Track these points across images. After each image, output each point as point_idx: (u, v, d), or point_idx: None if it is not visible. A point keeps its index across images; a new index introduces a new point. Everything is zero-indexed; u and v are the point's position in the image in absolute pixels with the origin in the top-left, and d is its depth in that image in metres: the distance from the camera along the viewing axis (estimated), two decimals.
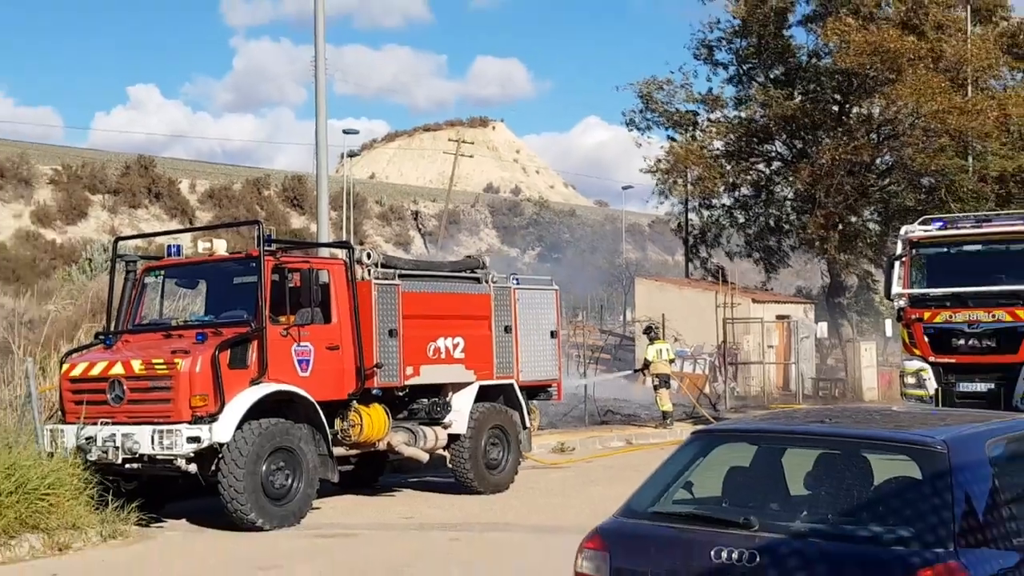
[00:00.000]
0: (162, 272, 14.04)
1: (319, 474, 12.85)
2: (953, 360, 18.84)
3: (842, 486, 5.46)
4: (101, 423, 12.28)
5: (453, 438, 14.72)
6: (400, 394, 14.30)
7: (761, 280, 39.42)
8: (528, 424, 15.84)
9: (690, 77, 38.20)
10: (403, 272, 14.59)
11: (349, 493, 14.73)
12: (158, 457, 12.01)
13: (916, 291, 19.34)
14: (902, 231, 20.48)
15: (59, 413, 13.05)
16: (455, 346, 14.79)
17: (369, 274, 13.91)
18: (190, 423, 11.92)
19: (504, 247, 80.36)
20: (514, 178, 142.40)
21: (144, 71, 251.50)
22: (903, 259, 19.61)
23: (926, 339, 19.11)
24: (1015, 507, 5.15)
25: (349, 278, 13.62)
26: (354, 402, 13.51)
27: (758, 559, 4.89)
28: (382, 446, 14.08)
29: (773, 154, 38.41)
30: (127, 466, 12.21)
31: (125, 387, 12.38)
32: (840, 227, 35.84)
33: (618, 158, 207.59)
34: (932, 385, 18.84)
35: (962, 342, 18.81)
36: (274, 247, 13.34)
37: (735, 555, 4.94)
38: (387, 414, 13.90)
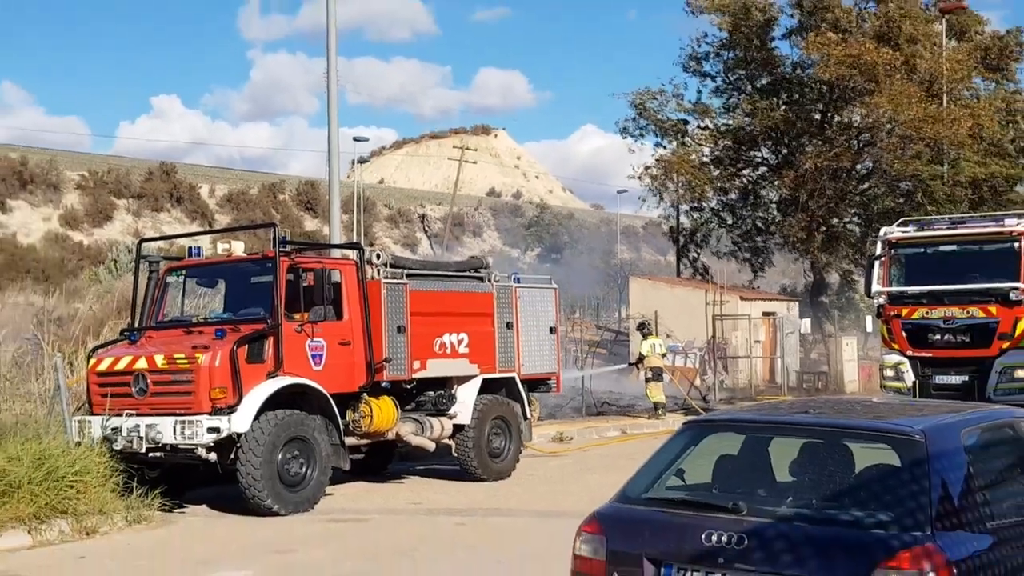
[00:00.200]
0: (183, 272, 14.04)
1: (332, 462, 12.86)
2: (929, 354, 18.85)
3: (825, 473, 5.46)
4: (126, 414, 12.30)
5: (458, 428, 14.72)
6: (408, 387, 14.30)
7: (748, 279, 39.41)
8: (529, 415, 15.85)
9: (681, 88, 38.12)
10: (410, 272, 14.59)
11: (360, 480, 14.74)
12: (180, 446, 12.03)
13: (895, 289, 19.35)
14: (881, 232, 20.48)
15: (86, 405, 13.07)
16: (460, 341, 14.79)
17: (379, 274, 13.92)
18: (210, 414, 11.93)
19: (506, 248, 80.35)
20: (515, 183, 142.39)
21: (166, 82, 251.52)
22: (882, 259, 19.62)
23: (904, 334, 19.12)
24: (989, 493, 5.15)
25: (360, 277, 13.62)
26: (364, 394, 13.51)
27: (746, 542, 4.89)
28: (391, 436, 14.08)
29: (759, 160, 38.37)
30: (151, 455, 12.23)
31: (149, 380, 12.39)
32: (823, 229, 35.86)
33: (613, 164, 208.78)
34: (910, 378, 18.84)
35: (938, 337, 18.81)
36: (289, 248, 13.34)
37: (724, 538, 4.94)
38: (396, 406, 13.90)
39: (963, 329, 18.59)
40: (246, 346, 12.28)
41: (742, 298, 33.61)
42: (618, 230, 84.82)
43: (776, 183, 37.14)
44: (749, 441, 5.79)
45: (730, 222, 39.22)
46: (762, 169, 38.37)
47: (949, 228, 19.98)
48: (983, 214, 23.70)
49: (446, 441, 14.76)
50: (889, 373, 19.19)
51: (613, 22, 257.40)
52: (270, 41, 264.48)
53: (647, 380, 23.27)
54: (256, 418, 12.08)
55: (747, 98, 37.11)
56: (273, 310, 12.59)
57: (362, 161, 65.92)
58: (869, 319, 22.60)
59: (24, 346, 17.08)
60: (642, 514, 5.39)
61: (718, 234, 39.61)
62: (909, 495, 4.88)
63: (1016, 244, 18.43)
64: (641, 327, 24.99)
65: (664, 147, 37.95)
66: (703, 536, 4.99)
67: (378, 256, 14.26)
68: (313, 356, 12.92)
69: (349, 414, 13.38)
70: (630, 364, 26.07)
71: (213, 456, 12.14)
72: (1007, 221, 19.44)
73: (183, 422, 11.93)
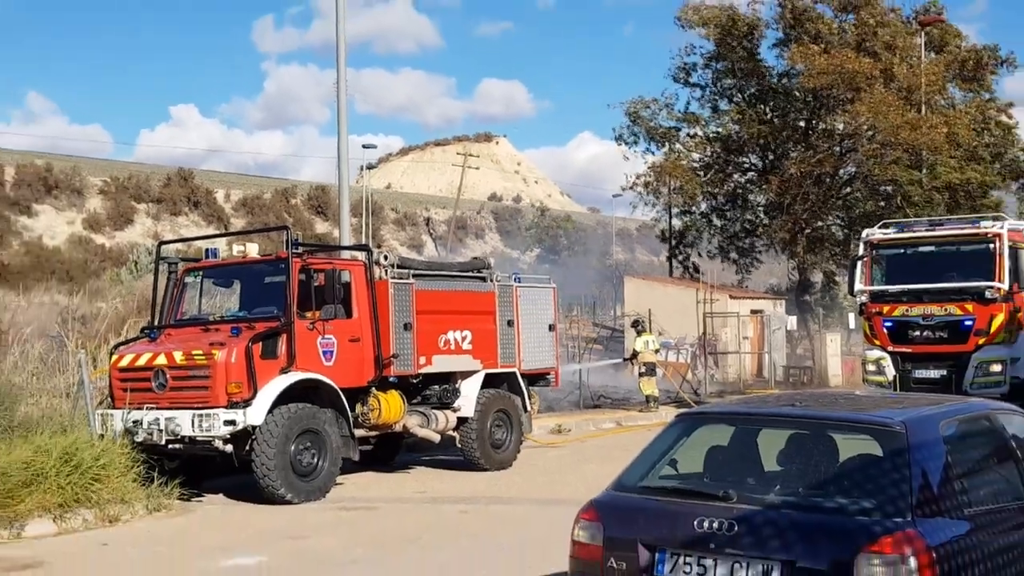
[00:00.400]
0: (201, 273, 14.03)
1: (342, 453, 12.86)
2: (909, 350, 18.86)
3: (811, 463, 5.47)
4: (146, 408, 12.29)
5: (462, 421, 14.72)
6: (414, 381, 14.29)
7: (737, 278, 39.41)
8: (529, 408, 15.85)
9: (672, 98, 38.16)
10: (416, 272, 14.58)
11: (369, 470, 14.72)
12: (198, 438, 12.03)
13: (876, 288, 19.36)
14: (863, 234, 20.49)
15: (109, 399, 13.06)
16: (463, 338, 14.78)
17: (386, 274, 13.91)
18: (226, 408, 11.92)
19: (506, 249, 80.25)
20: (515, 188, 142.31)
21: (184, 92, 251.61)
22: (864, 259, 19.63)
23: (885, 331, 19.12)
24: (966, 481, 5.16)
25: (368, 278, 13.61)
26: (373, 388, 13.50)
27: (736, 528, 4.89)
28: (398, 428, 14.07)
29: (747, 165, 38.40)
30: (170, 446, 12.22)
31: (168, 376, 12.38)
32: (807, 231, 35.88)
33: (609, 169, 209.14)
34: (891, 372, 18.85)
35: (917, 333, 18.82)
36: (301, 250, 13.34)
37: (715, 524, 4.94)
38: (402, 399, 13.89)
39: (941, 326, 18.59)
40: (260, 343, 12.28)
41: (731, 296, 33.59)
42: (613, 232, 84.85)
43: (763, 187, 37.14)
44: (738, 432, 5.79)
45: (719, 225, 39.24)
46: (750, 174, 38.40)
47: (928, 230, 19.98)
48: (960, 217, 23.72)
49: (450, 433, 14.75)
50: (871, 368, 19.19)
51: (610, 36, 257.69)
52: (283, 53, 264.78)
53: (641, 375, 23.27)
54: (270, 411, 12.08)
55: (735, 107, 37.16)
56: (286, 309, 12.59)
57: (370, 167, 65.79)
58: (852, 316, 22.56)
59: (50, 343, 17.09)
60: (637, 502, 5.39)
61: (708, 236, 39.61)
62: (891, 483, 4.89)
63: (991, 245, 18.43)
64: (635, 324, 24.98)
65: (653, 153, 38.07)
66: (695, 523, 4.99)
67: (386, 257, 14.25)
68: (324, 352, 12.92)
69: (358, 407, 13.38)
70: (625, 360, 26.06)
71: (229, 447, 12.14)
72: (982, 223, 19.45)
73: (201, 415, 11.93)
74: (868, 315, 19.46)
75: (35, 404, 13.60)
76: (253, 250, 13.83)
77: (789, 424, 5.69)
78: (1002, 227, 18.82)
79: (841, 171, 35.95)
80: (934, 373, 18.54)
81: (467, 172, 68.22)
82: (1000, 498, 5.33)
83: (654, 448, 5.75)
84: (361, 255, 14.23)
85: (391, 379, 13.74)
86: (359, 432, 13.33)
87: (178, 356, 12.36)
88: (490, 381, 15.10)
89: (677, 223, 39.69)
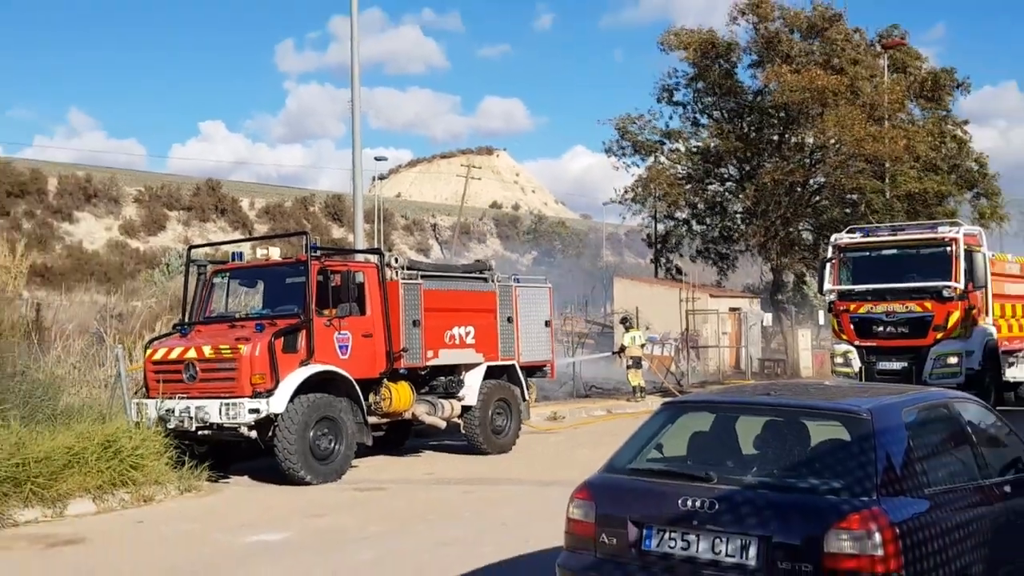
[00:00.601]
0: (227, 274, 14.02)
1: (356, 438, 12.85)
2: (874, 343, 18.89)
3: (785, 447, 5.46)
4: (178, 398, 12.28)
5: (466, 409, 14.72)
6: (422, 373, 14.28)
7: (716, 279, 39.39)
8: (527, 397, 15.84)
9: (656, 116, 38.21)
10: (424, 273, 14.58)
11: (381, 454, 14.73)
12: (225, 425, 12.03)
13: (843, 287, 19.39)
14: (832, 238, 20.53)
15: (144, 390, 13.04)
16: (467, 333, 14.78)
17: (397, 275, 13.90)
18: (251, 397, 11.93)
19: (506, 253, 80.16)
20: (514, 196, 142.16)
21: (213, 109, 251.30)
22: (833, 261, 19.67)
23: (851, 326, 19.16)
24: (926, 463, 5.15)
25: (380, 278, 13.60)
26: (385, 379, 13.49)
27: (717, 506, 4.89)
28: (407, 416, 14.07)
29: (725, 176, 38.38)
30: (199, 433, 12.22)
31: (198, 368, 12.37)
32: (780, 236, 35.86)
33: (600, 180, 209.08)
34: (857, 364, 18.89)
35: (881, 329, 18.86)
36: (319, 253, 13.32)
37: (698, 503, 4.94)
38: (412, 389, 13.89)
39: (903, 322, 18.63)
40: (282, 338, 12.27)
41: (711, 296, 33.61)
42: (604, 237, 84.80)
43: (739, 196, 37.17)
44: (719, 419, 5.79)
45: (700, 230, 39.23)
46: (727, 184, 38.38)
47: (890, 235, 20.02)
48: (919, 223, 23.73)
49: (455, 420, 14.75)
50: (839, 360, 19.22)
51: (601, 58, 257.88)
52: (303, 73, 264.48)
53: (628, 367, 23.27)
54: (291, 400, 12.08)
55: (714, 123, 37.17)
56: (305, 307, 12.58)
57: (382, 178, 65.75)
58: (821, 313, 22.58)
59: (89, 339, 17.06)
60: (626, 483, 5.38)
61: (689, 240, 39.61)
62: (857, 466, 4.88)
63: (948, 248, 18.47)
64: (623, 321, 24.98)
65: (639, 166, 38.10)
66: (679, 501, 4.99)
67: (396, 260, 14.24)
68: (340, 347, 12.91)
69: (371, 397, 13.37)
70: (613, 353, 26.06)
71: (254, 433, 12.14)
72: (940, 229, 19.50)
73: (228, 404, 11.93)
74: (836, 312, 19.49)
75: (76, 394, 13.58)
76: (275, 253, 13.83)
77: (765, 412, 5.69)
78: (958, 232, 18.87)
79: (811, 181, 35.94)
80: (896, 365, 18.58)
81: (470, 182, 68.13)
82: (957, 479, 5.33)
83: (642, 434, 5.74)
84: (374, 258, 14.22)
85: (401, 371, 13.73)
86: (372, 419, 13.32)
87: (207, 350, 12.35)
88: (491, 373, 15.10)
89: (661, 228, 39.71)
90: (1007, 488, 5.66)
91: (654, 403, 18.85)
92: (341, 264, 13.54)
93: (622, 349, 23.65)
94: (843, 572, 4.53)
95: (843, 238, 20.07)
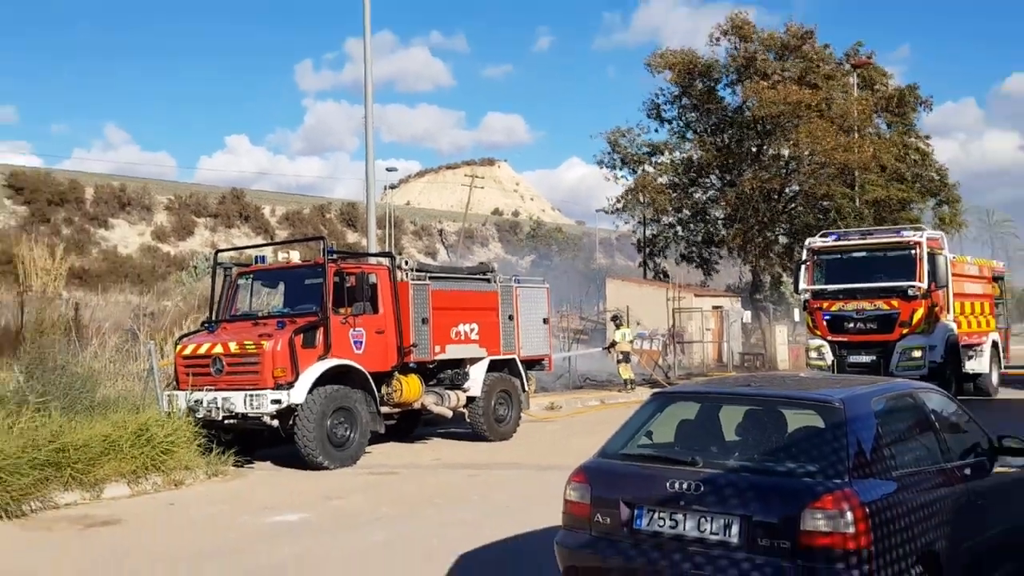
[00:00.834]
0: (251, 276, 14.02)
1: (370, 427, 12.86)
2: (845, 339, 18.89)
3: (764, 434, 5.46)
4: (206, 390, 12.29)
5: (470, 399, 14.72)
6: (430, 366, 14.29)
7: (700, 280, 39.35)
8: (526, 388, 15.84)
9: (644, 130, 38.38)
10: (432, 275, 14.59)
11: (392, 441, 14.72)
12: (249, 415, 12.03)
13: (817, 287, 19.38)
14: (806, 242, 20.53)
15: (174, 382, 13.05)
16: (471, 330, 14.78)
17: (407, 276, 13.90)
18: (273, 389, 11.93)
19: (507, 256, 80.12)
20: (514, 204, 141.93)
21: (237, 124, 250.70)
22: (807, 263, 19.66)
23: (824, 323, 19.15)
24: (893, 448, 5.16)
25: (392, 279, 13.61)
26: (396, 372, 13.50)
27: (702, 488, 4.89)
28: (417, 406, 14.08)
29: (707, 184, 38.36)
30: (226, 422, 12.22)
31: (224, 362, 12.38)
32: (758, 240, 35.84)
33: (594, 189, 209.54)
34: (829, 357, 18.88)
35: (851, 325, 18.85)
36: (335, 256, 13.34)
37: (684, 485, 4.94)
38: (421, 381, 13.89)
39: (871, 319, 18.63)
40: (302, 334, 12.28)
41: (695, 295, 33.57)
42: (596, 241, 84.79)
43: (721, 203, 37.13)
44: (704, 408, 5.78)
45: (684, 235, 39.20)
46: (710, 192, 38.34)
47: (860, 239, 20.02)
48: (886, 227, 23.72)
49: (461, 409, 14.76)
50: (813, 354, 19.22)
51: (595, 76, 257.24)
52: (320, 92, 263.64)
53: (618, 361, 23.26)
54: (310, 392, 12.09)
55: (697, 136, 37.17)
56: (323, 306, 12.59)
57: (392, 187, 65.87)
58: (796, 311, 22.57)
59: (124, 335, 17.06)
60: (619, 467, 5.38)
61: (675, 244, 39.57)
62: (831, 451, 4.88)
63: (913, 251, 18.48)
64: (614, 319, 24.96)
65: (628, 179, 38.08)
66: (668, 484, 4.99)
67: (406, 262, 14.25)
68: (355, 342, 12.92)
69: (384, 388, 13.38)
70: (604, 348, 26.05)
71: (276, 422, 12.14)
72: (905, 233, 19.52)
73: (252, 395, 11.93)
74: (810, 310, 19.48)
75: (112, 387, 13.58)
76: (295, 257, 13.84)
77: (746, 401, 5.69)
78: (922, 236, 18.89)
79: (786, 189, 35.92)
80: (865, 358, 18.58)
81: (474, 191, 68.09)
82: (922, 462, 5.33)
83: (632, 422, 5.74)
84: (385, 261, 14.23)
85: (411, 365, 13.74)
86: (384, 409, 13.33)
87: (233, 346, 12.36)
88: (494, 366, 15.10)
89: (649, 233, 39.68)
90: (967, 471, 5.67)
91: (644, 394, 18.83)
92: (355, 266, 13.55)
93: (613, 344, 23.63)
94: (818, 548, 4.53)
95: (817, 242, 20.07)
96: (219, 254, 15.09)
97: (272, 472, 12.37)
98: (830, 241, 19.96)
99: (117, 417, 11.26)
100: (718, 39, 35.65)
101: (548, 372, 18.68)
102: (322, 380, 12.27)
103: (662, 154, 37.83)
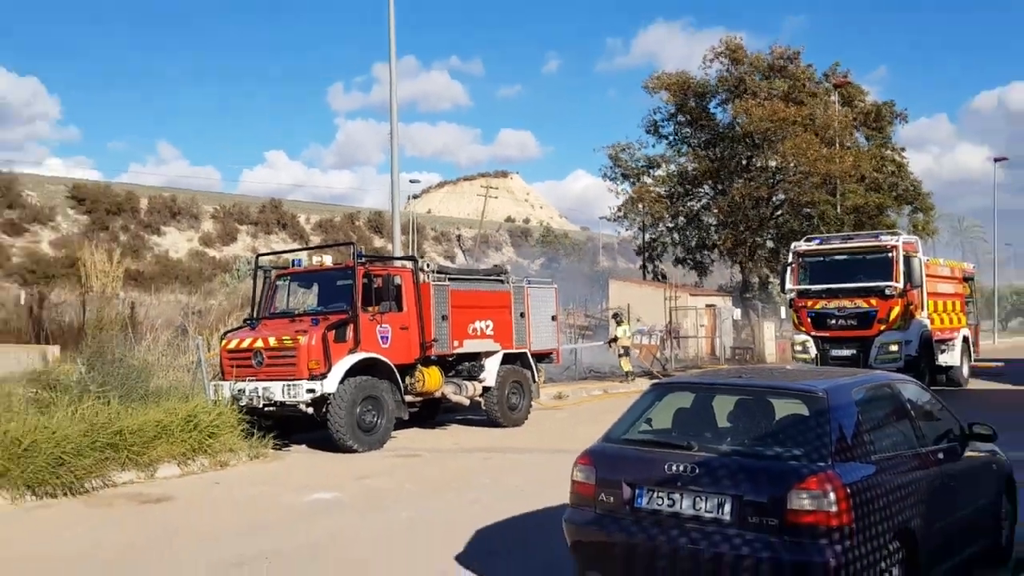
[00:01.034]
0: (288, 278, 14.07)
1: (395, 414, 12.88)
2: (828, 334, 18.80)
3: (754, 421, 5.43)
4: (248, 380, 12.35)
5: (486, 389, 14.72)
6: (450, 359, 14.30)
7: (694, 281, 39.20)
8: (537, 379, 15.85)
9: (643, 145, 38.29)
10: (451, 276, 14.60)
11: (415, 427, 14.74)
12: (287, 402, 12.08)
13: (802, 287, 19.30)
14: (792, 246, 20.44)
15: (219, 373, 13.11)
16: (487, 326, 14.79)
17: (428, 278, 13.92)
18: (308, 379, 11.97)
19: (519, 259, 80.00)
20: (525, 212, 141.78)
21: (276, 141, 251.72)
22: (793, 265, 19.57)
23: (809, 320, 19.07)
24: (872, 434, 5.13)
25: (415, 281, 13.63)
26: (418, 365, 13.52)
27: (697, 470, 4.87)
28: (437, 395, 14.09)
29: (701, 193, 38.24)
30: (266, 409, 12.28)
31: (264, 355, 12.43)
32: (747, 244, 35.68)
33: (597, 198, 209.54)
34: (813, 351, 18.80)
35: (833, 322, 18.76)
36: (364, 260, 13.35)
37: (681, 468, 4.92)
38: (441, 373, 13.91)
39: (852, 316, 18.54)
40: (334, 330, 12.31)
41: (690, 294, 33.43)
42: (600, 246, 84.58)
43: (713, 211, 37.01)
44: (699, 398, 5.76)
45: (679, 240, 39.09)
46: (703, 200, 38.22)
47: (841, 243, 19.93)
48: (866, 232, 23.61)
49: (477, 398, 14.76)
50: (798, 348, 19.14)
51: (598, 96, 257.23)
52: (351, 111, 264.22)
53: (619, 355, 23.20)
54: (341, 382, 12.12)
55: (692, 150, 37.09)
56: (353, 304, 12.62)
57: (415, 197, 65.89)
58: (783, 309, 22.50)
59: (175, 331, 17.15)
60: (621, 451, 5.37)
61: (671, 248, 39.45)
62: (815, 436, 4.86)
63: (890, 254, 18.39)
64: (615, 316, 24.87)
65: (628, 191, 37.95)
66: (665, 466, 4.98)
67: (428, 265, 14.27)
68: (382, 337, 12.94)
69: (408, 379, 13.40)
70: (606, 343, 25.99)
71: (311, 409, 12.19)
72: (882, 237, 19.42)
73: (289, 385, 11.98)
74: (796, 308, 19.40)
75: (164, 377, 13.66)
76: (328, 260, 13.91)
77: (737, 391, 5.66)
78: (898, 240, 18.79)
79: (773, 197, 35.76)
80: (846, 352, 18.50)
81: (488, 200, 68.09)
82: (898, 447, 5.30)
83: (633, 410, 5.73)
84: (409, 264, 14.25)
85: (432, 357, 13.75)
86: (408, 398, 13.35)
87: (272, 340, 12.40)
88: (507, 359, 15.10)
89: (648, 238, 39.58)
90: (940, 455, 5.63)
91: (643, 384, 18.82)
92: (382, 269, 13.58)
93: (614, 339, 23.58)
94: (803, 525, 4.51)
95: (801, 245, 19.98)
96: (259, 258, 15.15)
97: (307, 454, 12.41)
98: (814, 245, 19.88)
99: (168, 405, 11.33)
100: (711, 60, 35.57)
101: (556, 364, 18.69)
102: (352, 371, 12.30)
103: (659, 167, 37.79)
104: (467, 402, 14.61)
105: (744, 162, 35.97)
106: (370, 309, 12.79)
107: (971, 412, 8.46)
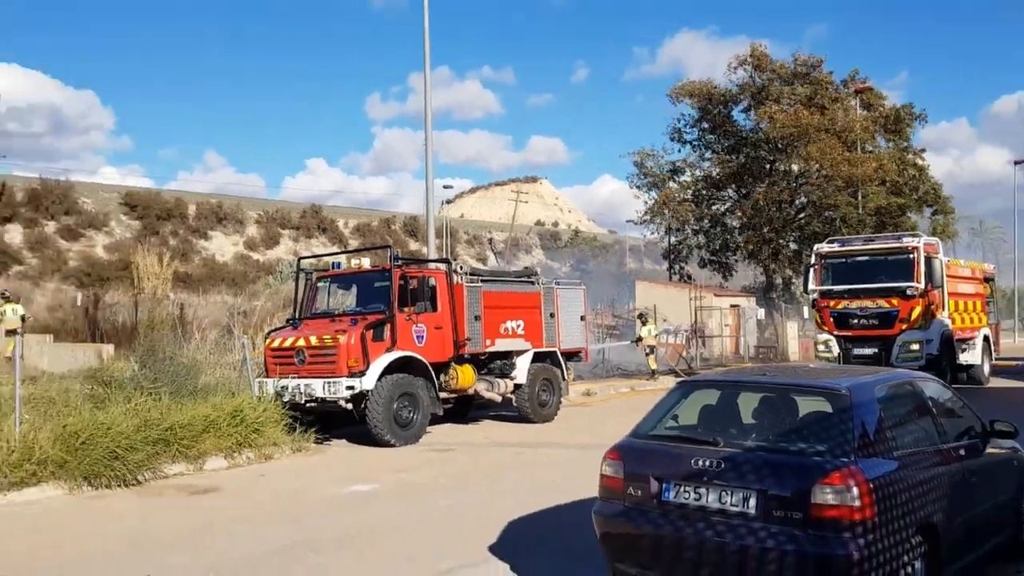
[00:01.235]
0: (328, 279, 14.19)
1: (430, 410, 12.92)
2: (850, 333, 18.56)
3: (778, 417, 5.39)
4: (291, 377, 12.46)
5: (517, 386, 14.72)
6: (482, 358, 14.32)
7: (719, 282, 38.90)
8: (566, 377, 15.80)
9: (668, 151, 38.16)
10: (483, 278, 14.62)
11: (449, 422, 14.77)
12: (327, 399, 12.17)
13: (824, 288, 19.07)
14: (815, 248, 20.20)
15: (264, 371, 13.24)
16: (518, 326, 14.79)
17: (461, 279, 13.96)
18: (348, 377, 12.06)
19: (548, 261, 79.87)
20: (555, 216, 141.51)
21: (317, 149, 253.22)
22: (815, 266, 19.35)
23: (831, 319, 18.84)
24: (895, 431, 5.06)
25: (449, 282, 13.67)
26: (452, 363, 13.56)
27: (722, 465, 4.85)
28: (471, 392, 14.12)
29: (724, 197, 37.94)
30: (307, 405, 12.39)
31: (306, 354, 12.53)
32: (771, 245, 35.32)
33: (624, 203, 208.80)
34: (836, 350, 18.57)
35: (855, 321, 18.52)
36: (400, 262, 13.42)
37: (707, 463, 4.90)
38: (474, 371, 13.93)
39: (874, 316, 18.28)
40: (372, 330, 12.39)
41: (715, 295, 33.18)
42: (627, 248, 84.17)
43: (737, 214, 36.69)
44: (724, 395, 5.73)
45: (704, 242, 38.82)
46: (727, 204, 37.92)
47: (863, 244, 19.65)
48: (887, 234, 23.26)
49: (509, 395, 14.76)
50: (821, 347, 18.91)
51: (626, 103, 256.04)
52: (387, 120, 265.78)
53: (646, 354, 23.09)
54: (379, 379, 12.19)
55: (716, 155, 36.79)
56: (390, 305, 12.69)
57: (448, 202, 66.21)
58: (806, 309, 22.28)
59: (221, 331, 17.37)
60: (649, 446, 5.35)
61: (696, 250, 39.19)
62: (838, 432, 4.81)
63: (911, 255, 18.11)
64: (641, 316, 24.76)
65: (654, 197, 37.75)
66: (692, 461, 4.95)
67: (461, 267, 14.31)
68: (417, 337, 13.00)
69: (442, 376, 13.44)
70: (632, 342, 25.87)
71: (350, 405, 12.27)
72: (904, 239, 19.11)
73: (329, 382, 12.07)
74: (818, 308, 19.17)
75: (211, 375, 13.82)
76: (366, 263, 13.98)
77: (761, 389, 5.62)
78: (919, 242, 18.50)
79: (796, 200, 35.39)
80: (868, 351, 18.24)
81: (519, 205, 68.14)
82: (920, 443, 5.22)
83: (660, 406, 5.71)
84: (443, 266, 14.29)
85: (465, 356, 13.79)
86: (443, 395, 13.39)
87: (313, 339, 12.51)
88: (537, 357, 15.08)
89: (673, 241, 39.34)
90: (962, 451, 5.54)
91: (669, 382, 18.71)
92: (417, 271, 13.64)
93: (639, 339, 23.48)
94: (827, 519, 4.47)
95: (824, 247, 19.74)
96: (301, 261, 15.30)
97: (347, 448, 12.49)
98: (836, 247, 19.63)
99: (216, 400, 11.48)
100: (736, 68, 35.29)
101: (585, 363, 18.64)
102: (389, 369, 12.36)
103: (683, 173, 37.54)
104: (499, 399, 14.62)
105: (767, 166, 35.61)
106: (406, 309, 12.85)
107: (992, 410, 8.30)
